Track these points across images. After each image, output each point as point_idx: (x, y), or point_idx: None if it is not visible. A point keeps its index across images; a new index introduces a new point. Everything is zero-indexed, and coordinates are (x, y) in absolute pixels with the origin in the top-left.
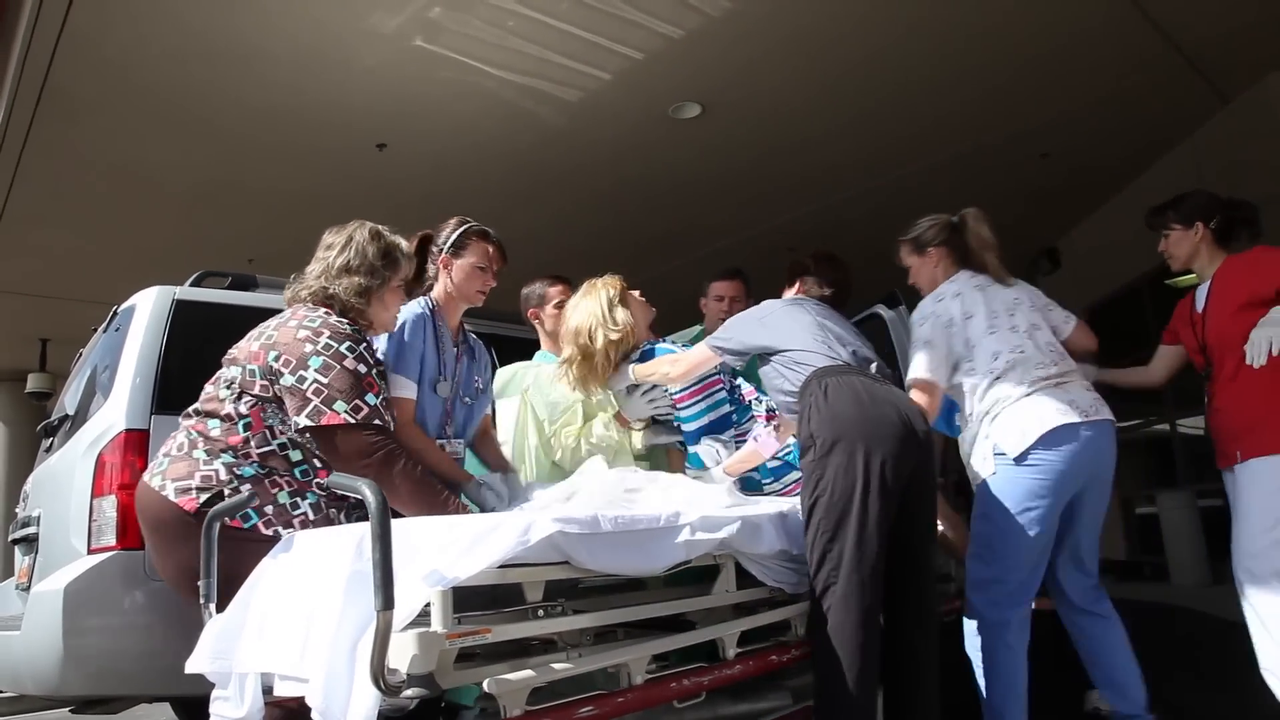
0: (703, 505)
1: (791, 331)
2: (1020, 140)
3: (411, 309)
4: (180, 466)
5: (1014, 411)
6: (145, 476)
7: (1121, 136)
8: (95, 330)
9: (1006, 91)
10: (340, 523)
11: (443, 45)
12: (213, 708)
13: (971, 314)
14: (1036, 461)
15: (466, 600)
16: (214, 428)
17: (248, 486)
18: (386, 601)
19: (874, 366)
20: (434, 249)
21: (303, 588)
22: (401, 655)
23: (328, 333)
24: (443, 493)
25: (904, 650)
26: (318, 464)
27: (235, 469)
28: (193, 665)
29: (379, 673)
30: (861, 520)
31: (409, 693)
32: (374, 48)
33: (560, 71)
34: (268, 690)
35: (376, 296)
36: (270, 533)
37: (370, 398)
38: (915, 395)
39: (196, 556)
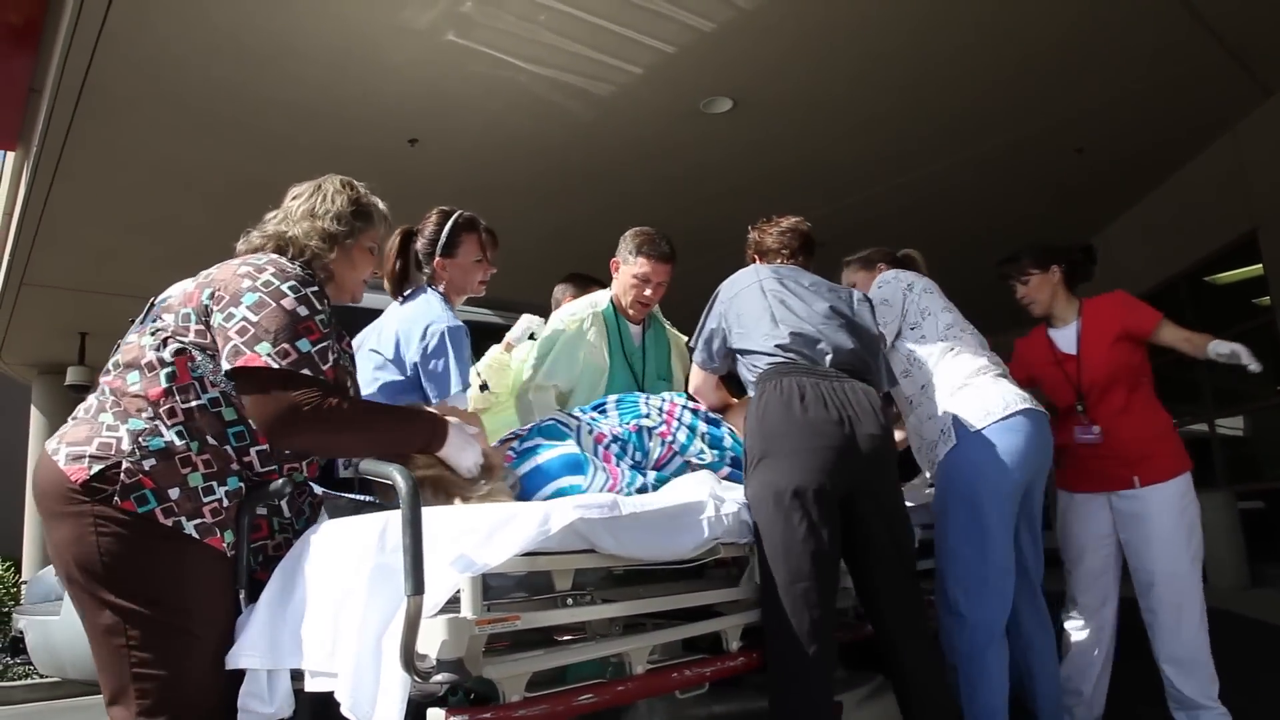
0: (727, 490)
1: (746, 324)
2: (1054, 134)
3: (443, 314)
4: (81, 430)
5: (977, 388)
6: (46, 442)
7: (1159, 130)
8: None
9: (1041, 84)
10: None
11: (474, 40)
12: (241, 703)
13: (930, 290)
14: (998, 438)
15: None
16: (134, 382)
17: (152, 461)
18: (417, 586)
19: (827, 355)
20: (417, 248)
21: (328, 581)
22: (431, 641)
23: (271, 269)
24: (418, 416)
25: (896, 662)
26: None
27: (142, 438)
28: (233, 662)
29: (409, 658)
30: (788, 537)
31: (438, 678)
32: (405, 43)
33: (591, 66)
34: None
35: (343, 250)
36: (170, 523)
37: (304, 344)
38: None
39: (74, 539)
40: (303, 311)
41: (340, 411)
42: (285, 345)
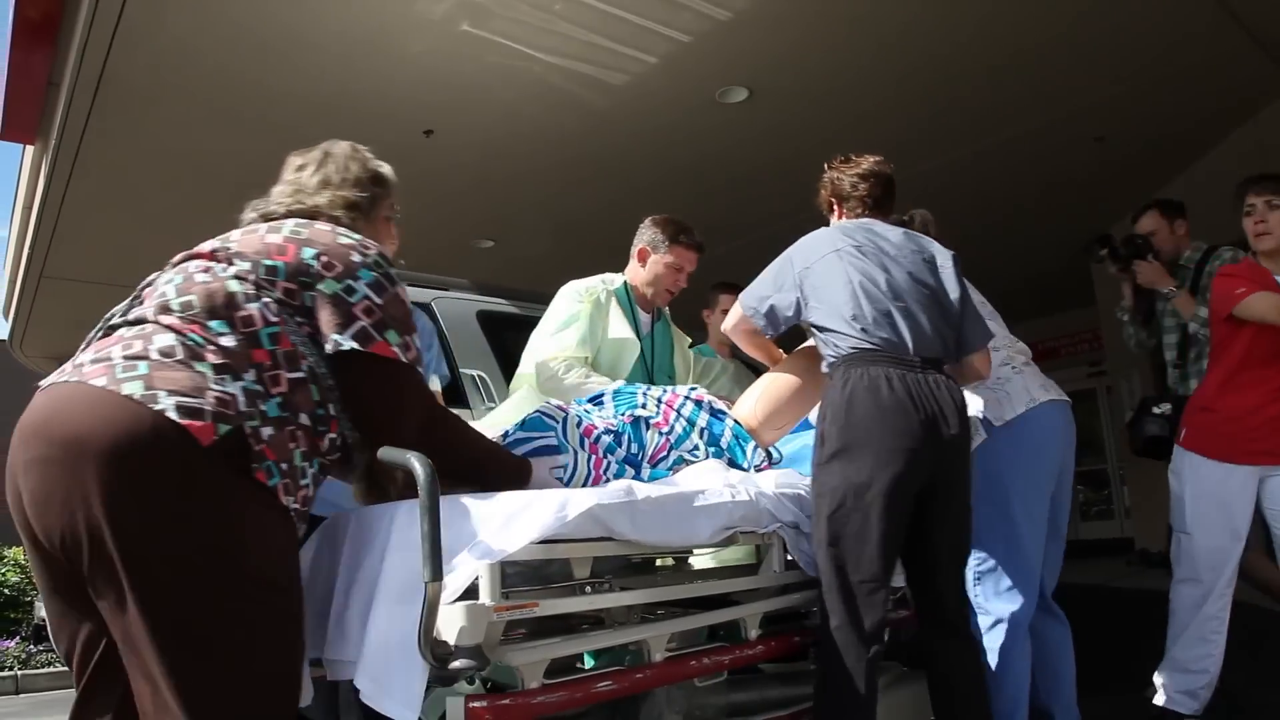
0: (746, 478)
1: (825, 298)
2: (1073, 122)
3: None
4: (180, 376)
5: (1001, 379)
6: (88, 378)
7: (1180, 117)
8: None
9: (1059, 72)
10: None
11: (489, 30)
12: None
13: None
14: (1027, 431)
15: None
16: (222, 332)
17: (270, 430)
18: (435, 573)
19: (910, 340)
20: None
21: (346, 570)
22: (449, 627)
23: (375, 250)
24: (508, 453)
25: (935, 669)
26: (332, 411)
27: (260, 401)
28: None
29: (428, 644)
30: (862, 535)
31: (457, 664)
32: (420, 34)
33: (606, 55)
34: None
35: (368, 220)
36: (286, 502)
37: (416, 339)
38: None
39: (197, 513)
40: (409, 305)
41: (456, 421)
42: (407, 339)
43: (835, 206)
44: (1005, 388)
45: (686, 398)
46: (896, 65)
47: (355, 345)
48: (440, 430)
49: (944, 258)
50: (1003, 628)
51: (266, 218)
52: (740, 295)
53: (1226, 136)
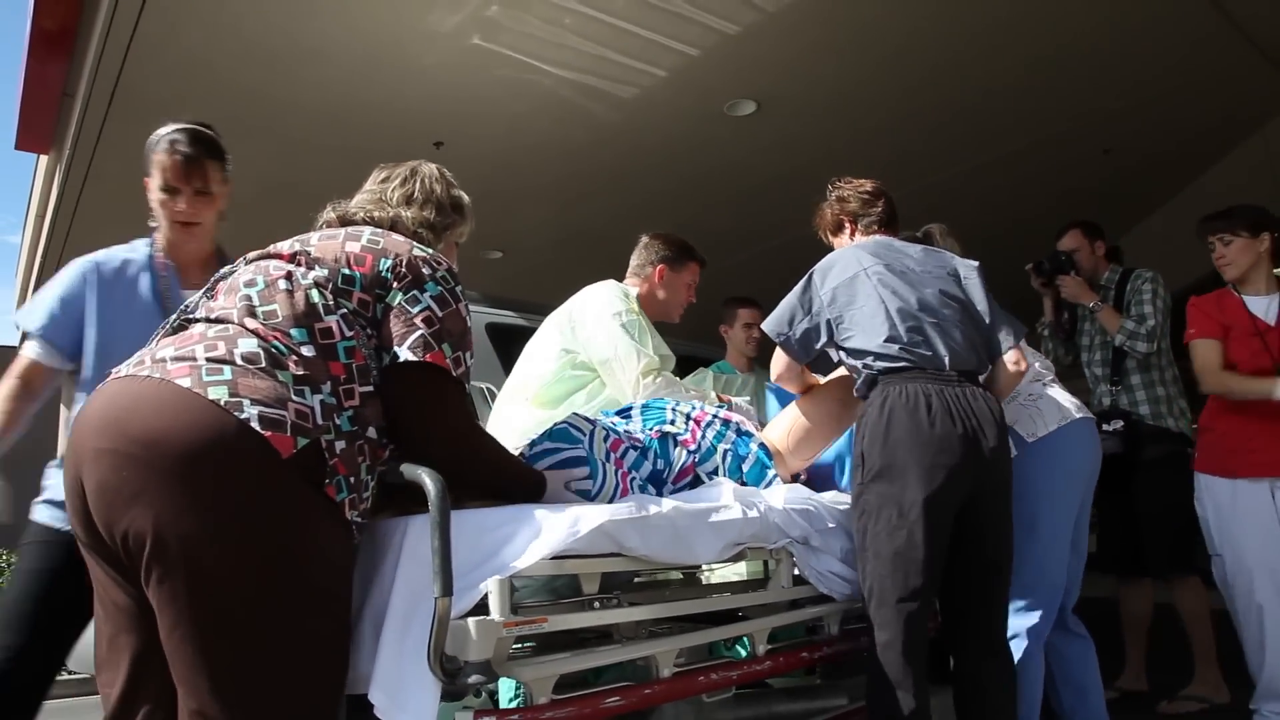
0: (758, 494)
1: (858, 320)
2: (1081, 135)
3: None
4: (263, 384)
5: (1031, 396)
6: (173, 376)
7: (1188, 129)
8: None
9: (1066, 84)
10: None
11: (500, 43)
12: None
13: None
14: (1058, 448)
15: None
16: (302, 341)
17: (342, 444)
18: (445, 588)
19: (945, 356)
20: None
21: (356, 585)
22: (459, 643)
23: (446, 265)
24: (526, 466)
25: (970, 685)
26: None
27: (336, 415)
28: None
29: (438, 659)
30: (908, 551)
31: (470, 680)
32: (432, 47)
33: (616, 69)
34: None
35: (440, 242)
36: (350, 517)
37: (468, 357)
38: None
39: (268, 522)
40: (469, 323)
41: (483, 435)
42: (460, 354)
43: (849, 225)
44: (1037, 403)
45: (715, 416)
46: (904, 78)
47: (410, 356)
48: (469, 444)
49: (966, 269)
50: (1020, 642)
51: (344, 220)
52: (764, 325)
53: (1235, 148)
